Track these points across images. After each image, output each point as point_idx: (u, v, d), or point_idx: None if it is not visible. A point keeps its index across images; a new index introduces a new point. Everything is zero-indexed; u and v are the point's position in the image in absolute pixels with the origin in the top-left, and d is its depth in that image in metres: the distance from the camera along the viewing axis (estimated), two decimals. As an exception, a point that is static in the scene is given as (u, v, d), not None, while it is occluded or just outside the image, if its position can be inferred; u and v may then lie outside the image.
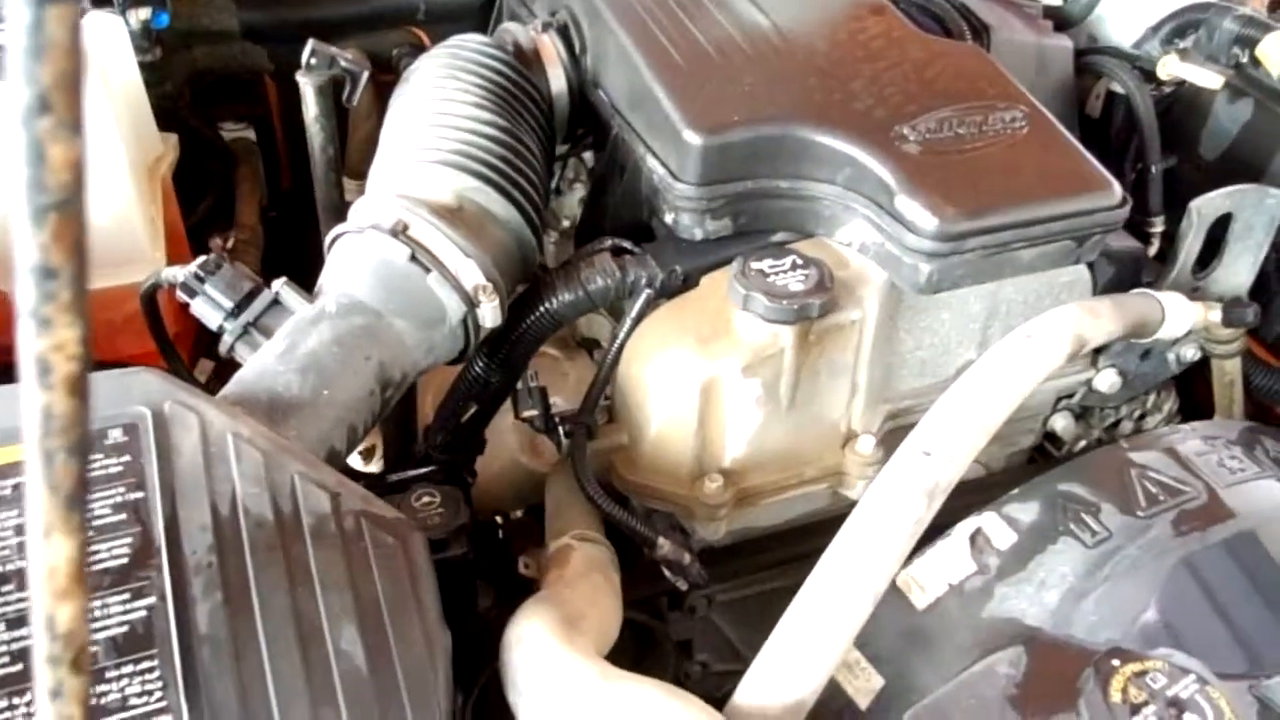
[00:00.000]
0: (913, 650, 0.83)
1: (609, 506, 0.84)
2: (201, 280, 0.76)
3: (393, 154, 0.87)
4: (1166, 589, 0.77)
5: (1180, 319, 0.95)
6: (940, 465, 0.70)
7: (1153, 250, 1.23)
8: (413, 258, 0.79)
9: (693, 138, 0.86)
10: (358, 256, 0.80)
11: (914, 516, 0.68)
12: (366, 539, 0.68)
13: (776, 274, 0.84)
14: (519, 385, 0.95)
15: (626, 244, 0.94)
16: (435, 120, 0.88)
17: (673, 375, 0.86)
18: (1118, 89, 1.22)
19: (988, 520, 0.85)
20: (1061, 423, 1.11)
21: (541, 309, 0.92)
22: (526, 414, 0.93)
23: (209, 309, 0.77)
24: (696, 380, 0.85)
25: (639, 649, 1.01)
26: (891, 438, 1.01)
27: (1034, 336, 0.80)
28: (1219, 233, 1.01)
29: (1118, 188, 0.88)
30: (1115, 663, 0.71)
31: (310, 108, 0.94)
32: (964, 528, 0.85)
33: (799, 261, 0.85)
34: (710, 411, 0.86)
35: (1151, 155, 1.18)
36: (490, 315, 0.82)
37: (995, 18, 1.15)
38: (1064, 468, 0.88)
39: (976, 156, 0.87)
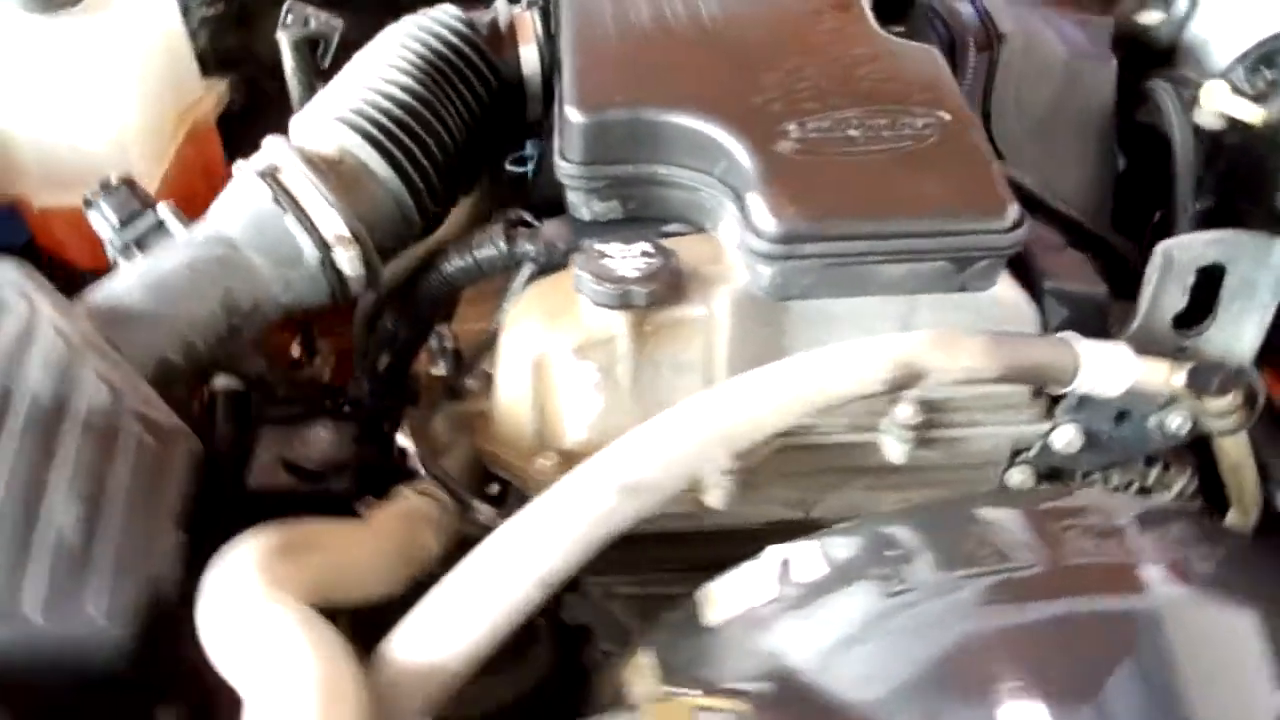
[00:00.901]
0: (695, 666, 0.78)
1: (428, 463, 0.86)
2: (99, 196, 0.86)
3: (311, 107, 0.93)
4: (940, 659, 0.68)
5: (1112, 374, 0.82)
6: (648, 462, 0.66)
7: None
8: (275, 199, 0.85)
9: (574, 114, 0.86)
10: (235, 193, 0.87)
11: (599, 507, 0.65)
12: (130, 436, 0.74)
13: (618, 259, 0.82)
14: (432, 344, 0.99)
15: (527, 217, 0.95)
16: (354, 80, 0.93)
17: (514, 348, 0.86)
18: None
19: (804, 549, 0.79)
20: (1018, 477, 0.99)
21: (435, 271, 0.95)
22: (436, 372, 0.97)
23: (101, 223, 0.87)
24: (530, 355, 0.85)
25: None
26: (785, 457, 0.96)
27: (843, 353, 0.73)
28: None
29: (1011, 213, 0.78)
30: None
31: (288, 62, 1.03)
32: (779, 552, 0.79)
33: (649, 250, 0.83)
34: (545, 389, 0.86)
35: (1180, 194, 1.02)
36: (349, 264, 0.86)
37: (1024, 28, 1.04)
38: (907, 509, 0.79)
39: (858, 162, 0.80)
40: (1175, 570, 0.73)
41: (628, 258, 0.83)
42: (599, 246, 0.83)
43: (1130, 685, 0.68)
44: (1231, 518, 1.01)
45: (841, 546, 0.78)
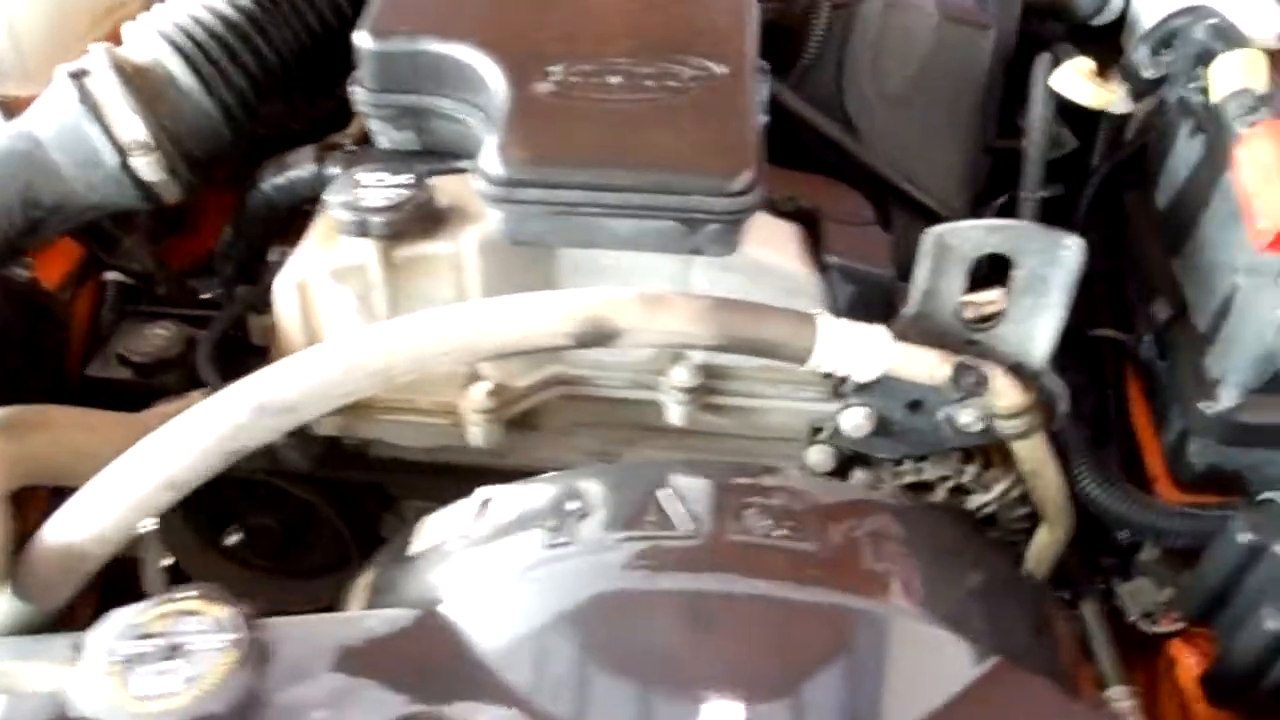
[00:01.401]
0: (390, 590, 0.80)
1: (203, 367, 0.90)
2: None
3: (144, 17, 0.97)
4: (569, 615, 0.68)
5: (858, 358, 0.78)
6: (287, 385, 0.67)
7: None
8: (80, 101, 0.89)
9: (363, 40, 0.86)
10: (50, 93, 0.91)
11: (231, 422, 0.67)
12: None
13: (372, 188, 0.83)
14: (271, 257, 1.02)
15: (345, 142, 0.97)
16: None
17: (286, 268, 0.88)
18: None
19: (504, 492, 0.79)
20: (815, 457, 0.96)
21: (255, 188, 0.98)
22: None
23: (-75, 114, 0.93)
24: (295, 275, 0.87)
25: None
26: (574, 405, 0.95)
27: (527, 302, 0.72)
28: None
29: (743, 177, 0.75)
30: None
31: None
32: (484, 492, 0.80)
33: (405, 182, 0.83)
34: (310, 310, 0.88)
35: (1026, 180, 0.94)
36: (148, 170, 0.90)
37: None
38: (618, 465, 0.79)
39: (607, 110, 0.78)
40: (831, 565, 0.70)
41: (382, 188, 0.83)
42: (359, 174, 0.84)
43: (744, 665, 0.66)
44: (1040, 535, 0.96)
45: (537, 494, 0.78)
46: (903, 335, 0.84)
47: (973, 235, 0.80)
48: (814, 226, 0.89)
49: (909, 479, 0.98)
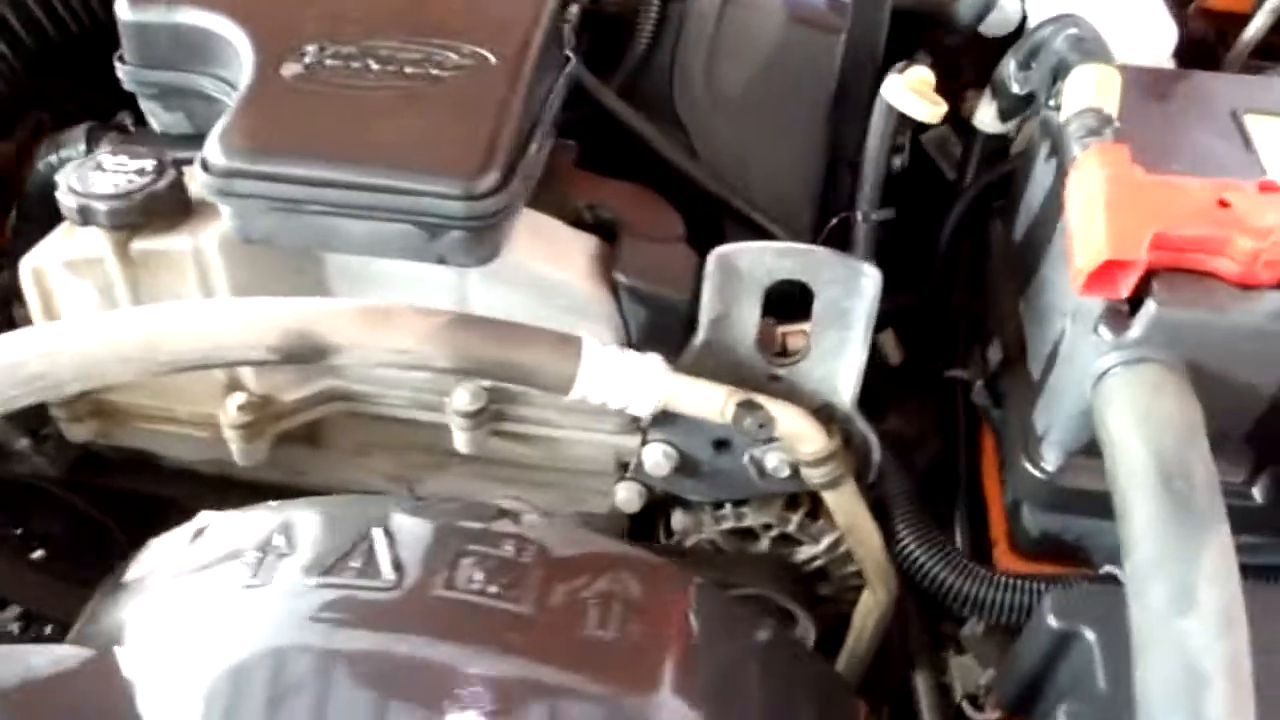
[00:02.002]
0: (95, 620, 0.72)
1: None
2: None
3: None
4: (240, 669, 0.59)
5: (630, 389, 0.69)
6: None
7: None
8: None
9: (122, 11, 0.78)
10: None
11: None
12: None
13: (111, 173, 0.74)
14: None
15: (127, 123, 0.89)
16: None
17: (27, 256, 0.80)
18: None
19: (223, 520, 0.70)
20: (623, 494, 0.86)
21: (34, 166, 0.91)
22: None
23: None
24: (30, 263, 0.79)
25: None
26: (359, 424, 0.87)
27: (225, 310, 0.63)
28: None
29: (488, 179, 0.65)
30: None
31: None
32: (204, 519, 0.71)
33: (147, 168, 0.74)
34: (49, 300, 0.79)
35: (860, 201, 0.84)
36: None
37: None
38: (341, 498, 0.70)
39: (353, 97, 0.69)
40: (542, 630, 0.60)
41: (119, 173, 0.75)
42: (103, 157, 0.76)
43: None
44: (865, 597, 0.86)
45: (253, 524, 0.70)
46: (694, 367, 0.75)
47: (763, 259, 0.70)
48: (614, 240, 0.80)
49: (729, 524, 0.88)
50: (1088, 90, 0.74)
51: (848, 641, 0.89)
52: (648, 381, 0.71)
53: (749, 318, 0.73)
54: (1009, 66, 0.88)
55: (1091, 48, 0.77)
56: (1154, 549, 0.54)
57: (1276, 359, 0.64)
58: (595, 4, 0.87)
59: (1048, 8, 0.92)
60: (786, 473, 0.79)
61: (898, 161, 0.84)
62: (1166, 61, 0.92)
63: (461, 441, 0.83)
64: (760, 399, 0.72)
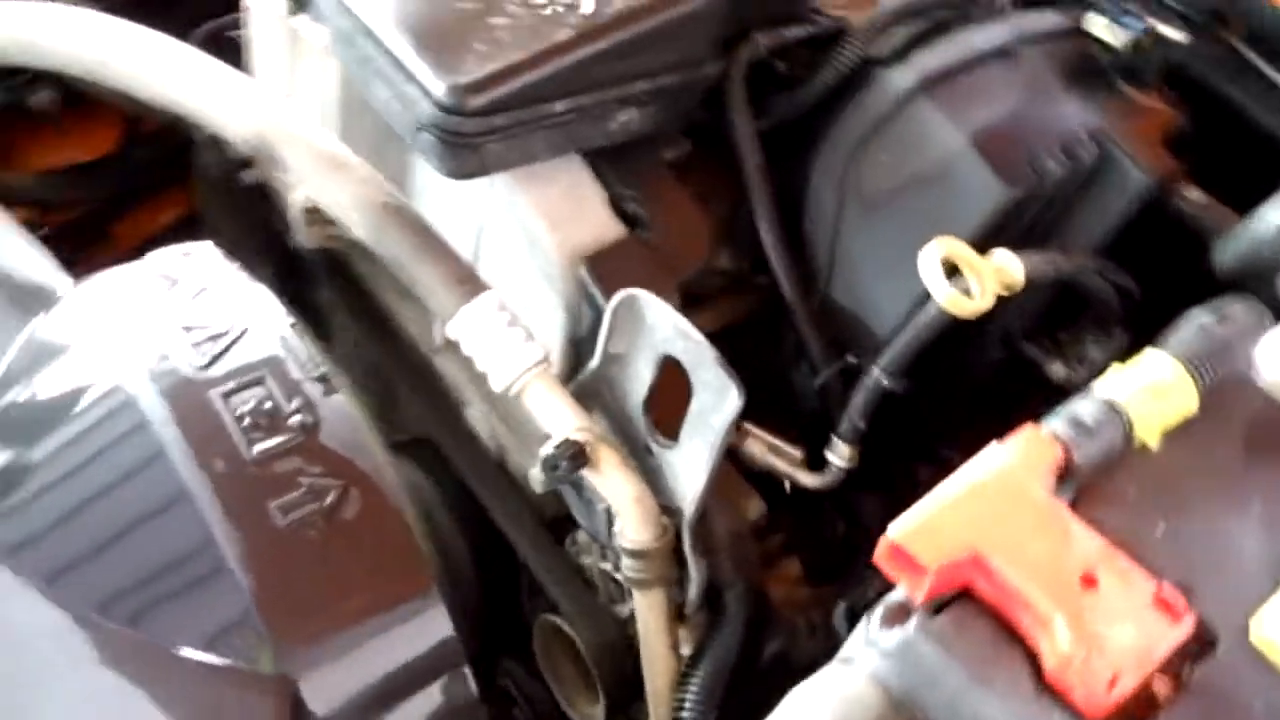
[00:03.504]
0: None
1: None
2: None
3: None
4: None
5: (496, 359, 0.67)
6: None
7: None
8: None
9: None
10: None
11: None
12: None
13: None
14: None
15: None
16: None
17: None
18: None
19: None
20: (534, 473, 0.84)
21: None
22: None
23: None
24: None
25: None
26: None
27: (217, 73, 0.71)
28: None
29: (461, 98, 0.66)
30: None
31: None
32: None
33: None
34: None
35: (882, 359, 0.71)
36: None
37: None
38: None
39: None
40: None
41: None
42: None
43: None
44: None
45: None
46: (582, 391, 0.72)
47: (663, 323, 0.64)
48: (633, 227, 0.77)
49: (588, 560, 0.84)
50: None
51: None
52: (514, 363, 0.69)
53: (643, 373, 0.68)
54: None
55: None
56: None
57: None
58: (773, 58, 0.83)
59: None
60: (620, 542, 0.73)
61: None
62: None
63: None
64: (608, 458, 0.67)
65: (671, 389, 0.68)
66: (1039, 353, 0.87)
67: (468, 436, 0.95)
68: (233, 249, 1.16)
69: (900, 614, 0.52)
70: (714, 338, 0.92)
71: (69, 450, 0.71)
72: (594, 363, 0.70)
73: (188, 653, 0.64)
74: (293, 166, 0.70)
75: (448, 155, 0.70)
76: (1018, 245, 0.76)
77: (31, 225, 1.32)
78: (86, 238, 1.39)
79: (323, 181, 0.70)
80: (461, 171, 0.71)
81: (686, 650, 0.75)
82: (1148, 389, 0.57)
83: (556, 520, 0.91)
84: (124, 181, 1.34)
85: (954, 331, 0.81)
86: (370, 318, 1.00)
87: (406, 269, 0.71)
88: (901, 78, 0.78)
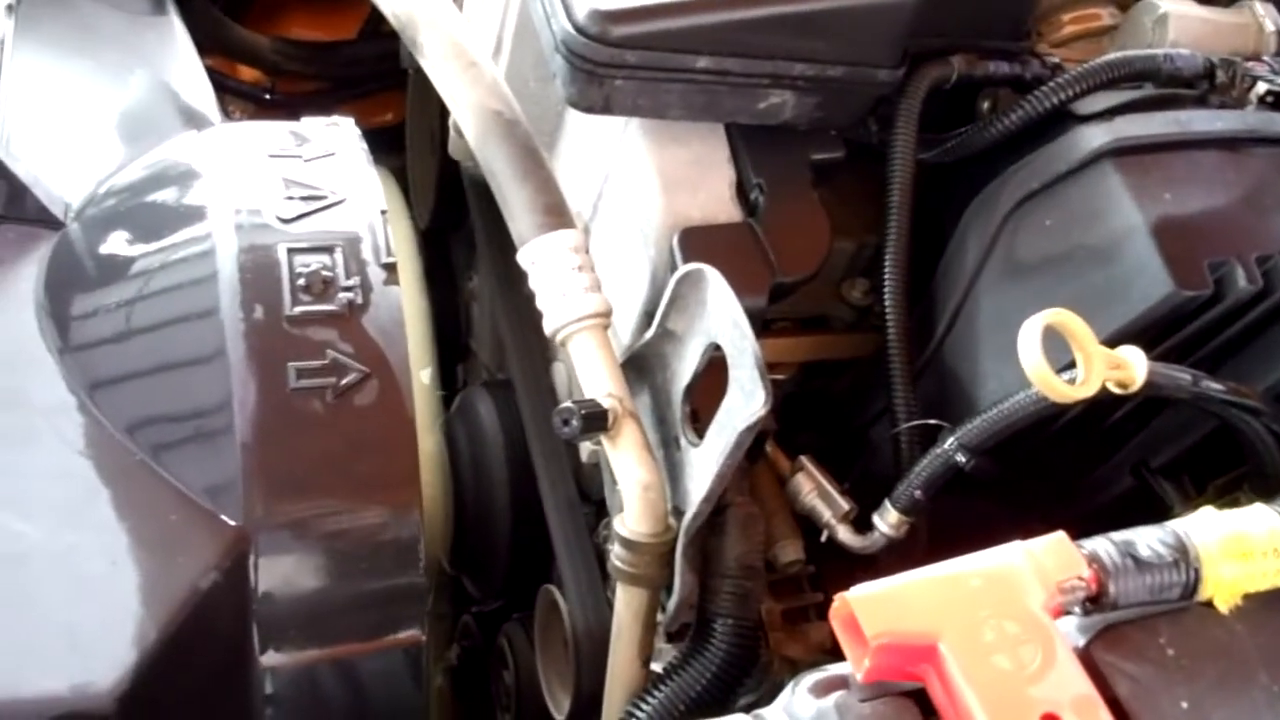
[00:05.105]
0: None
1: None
2: None
3: None
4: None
5: (559, 299, 0.64)
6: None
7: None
8: None
9: None
10: None
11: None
12: None
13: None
14: None
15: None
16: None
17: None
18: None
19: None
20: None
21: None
22: None
23: None
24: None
25: None
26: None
27: None
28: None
29: (601, 27, 0.63)
30: None
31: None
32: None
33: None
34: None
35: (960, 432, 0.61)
36: None
37: None
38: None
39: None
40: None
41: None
42: None
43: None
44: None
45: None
46: (633, 358, 0.67)
47: (721, 304, 0.58)
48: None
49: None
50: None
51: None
52: (570, 308, 0.65)
53: (693, 358, 0.63)
54: None
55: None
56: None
57: None
58: (967, 86, 0.75)
59: None
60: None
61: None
62: None
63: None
64: (629, 435, 0.62)
65: (717, 387, 0.62)
66: (1173, 492, 0.75)
67: (543, 390, 0.92)
68: (415, 150, 1.22)
69: (834, 686, 0.45)
70: (820, 368, 0.88)
71: (150, 276, 0.73)
72: (649, 334, 0.65)
73: (176, 483, 0.65)
74: (428, 54, 0.70)
75: (574, 80, 0.67)
76: (1173, 359, 0.66)
77: (261, 88, 1.44)
78: (308, 114, 1.48)
79: (449, 76, 0.69)
80: (584, 101, 0.68)
81: (658, 667, 0.69)
82: (1233, 539, 0.46)
83: (603, 503, 0.87)
84: (352, 68, 1.40)
85: (1072, 433, 0.71)
86: (499, 248, 0.99)
87: (499, 185, 0.68)
88: (1094, 137, 0.68)
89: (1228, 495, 0.74)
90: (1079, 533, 0.53)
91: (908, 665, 0.42)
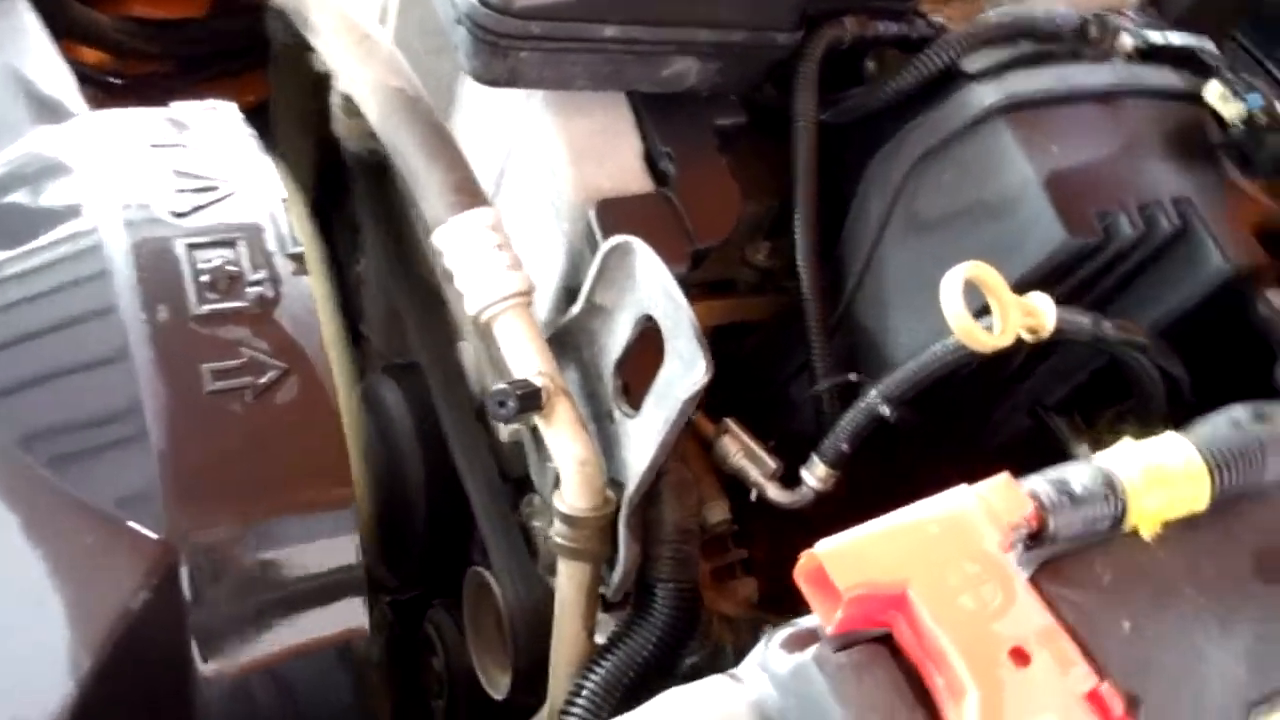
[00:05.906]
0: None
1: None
2: None
3: None
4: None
5: (476, 280, 0.63)
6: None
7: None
8: None
9: None
10: None
11: None
12: None
13: None
14: None
15: None
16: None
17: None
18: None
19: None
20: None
21: None
22: None
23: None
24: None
25: None
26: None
27: None
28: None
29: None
30: None
31: None
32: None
33: None
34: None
35: (883, 382, 0.64)
36: None
37: None
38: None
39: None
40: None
41: None
42: None
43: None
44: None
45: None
46: (559, 334, 0.67)
47: (652, 274, 0.59)
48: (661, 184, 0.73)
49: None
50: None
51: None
52: (492, 289, 0.64)
53: (623, 331, 0.63)
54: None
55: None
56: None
57: None
58: (858, 48, 0.77)
59: None
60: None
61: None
62: None
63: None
64: (563, 412, 0.62)
65: (649, 358, 0.63)
66: (1066, 428, 0.80)
67: (452, 371, 0.91)
68: (285, 131, 1.17)
69: (805, 640, 0.46)
70: (728, 331, 0.90)
71: (31, 277, 0.68)
72: (575, 309, 0.65)
73: (83, 497, 0.61)
74: (321, 33, 0.67)
75: (477, 54, 0.66)
76: (1064, 303, 0.70)
77: (109, 71, 1.35)
78: (159, 99, 1.40)
79: (344, 55, 0.67)
80: (488, 75, 0.67)
81: (602, 639, 0.70)
82: (1153, 471, 0.50)
83: (524, 480, 0.87)
84: (201, 46, 1.33)
85: (976, 379, 0.75)
86: (388, 230, 0.97)
87: (408, 165, 0.67)
88: (985, 95, 0.72)
89: (1115, 428, 0.80)
90: (985, 475, 0.57)
91: (876, 614, 0.44)
